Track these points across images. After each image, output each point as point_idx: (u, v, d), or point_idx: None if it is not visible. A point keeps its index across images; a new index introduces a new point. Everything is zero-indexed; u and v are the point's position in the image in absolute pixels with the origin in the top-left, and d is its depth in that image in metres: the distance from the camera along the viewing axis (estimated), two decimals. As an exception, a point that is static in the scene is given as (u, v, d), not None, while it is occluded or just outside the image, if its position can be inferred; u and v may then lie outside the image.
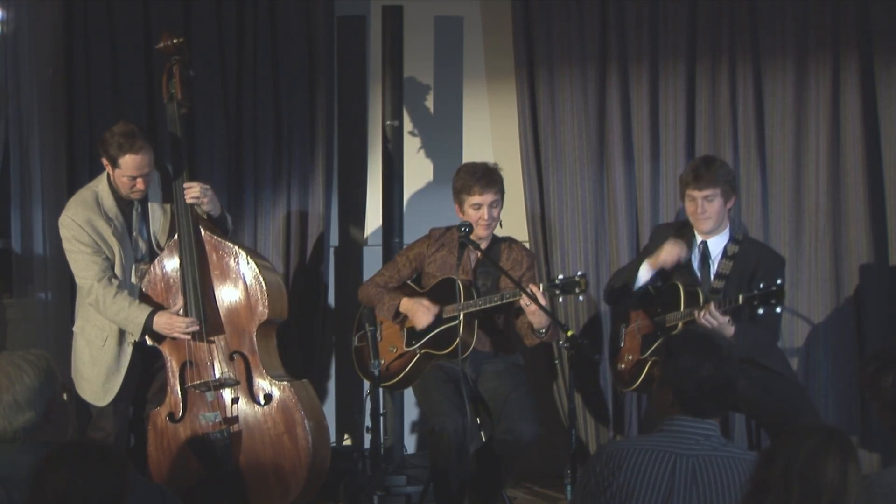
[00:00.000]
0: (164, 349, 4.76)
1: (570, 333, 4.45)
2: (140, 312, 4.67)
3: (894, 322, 5.45)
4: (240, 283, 4.75)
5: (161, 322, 4.67)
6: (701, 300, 4.61)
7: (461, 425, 4.63)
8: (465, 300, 4.79)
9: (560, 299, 5.11)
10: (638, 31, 5.58)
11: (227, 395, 4.73)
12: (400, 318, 4.97)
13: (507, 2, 5.68)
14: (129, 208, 4.77)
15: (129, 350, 4.75)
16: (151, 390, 4.87)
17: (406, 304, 4.93)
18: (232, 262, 4.76)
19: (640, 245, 5.56)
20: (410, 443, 5.87)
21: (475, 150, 5.87)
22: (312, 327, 5.69)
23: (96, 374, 4.74)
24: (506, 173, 5.03)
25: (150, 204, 4.81)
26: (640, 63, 5.58)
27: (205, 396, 4.71)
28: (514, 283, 4.73)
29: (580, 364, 5.31)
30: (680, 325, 4.65)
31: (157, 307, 4.71)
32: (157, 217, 4.82)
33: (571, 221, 5.63)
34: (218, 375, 4.72)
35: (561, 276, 4.72)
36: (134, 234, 4.78)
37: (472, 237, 4.79)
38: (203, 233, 4.77)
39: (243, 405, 4.72)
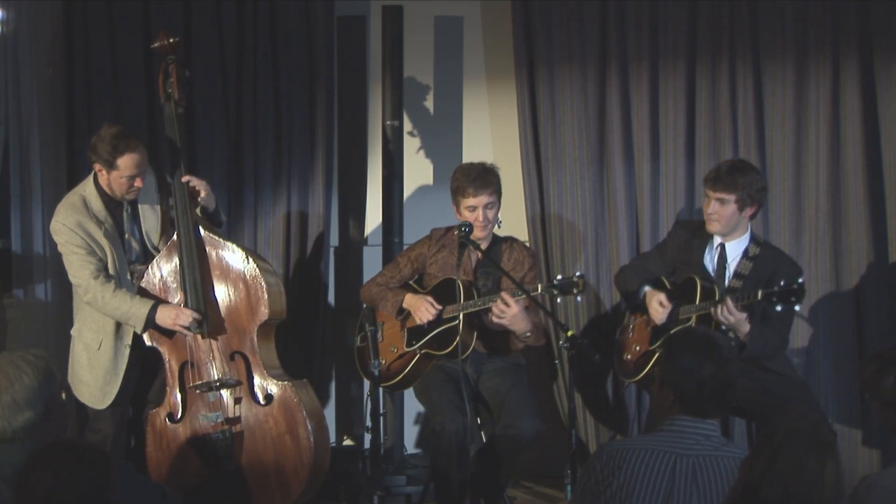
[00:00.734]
0: (164, 350, 4.75)
1: (570, 333, 4.45)
2: (142, 305, 4.65)
3: (894, 322, 5.45)
4: (240, 283, 4.74)
5: (164, 314, 4.64)
6: (717, 296, 4.62)
7: (462, 425, 4.63)
8: (465, 300, 4.79)
9: (559, 300, 5.11)
10: (638, 31, 5.58)
11: (228, 395, 4.73)
12: (403, 314, 4.97)
13: (507, 2, 5.68)
14: (119, 210, 4.75)
15: (125, 352, 4.73)
16: (152, 391, 4.86)
17: (410, 300, 4.94)
18: (232, 262, 4.75)
19: (640, 245, 5.56)
20: (410, 443, 5.86)
21: (475, 150, 5.87)
22: (312, 327, 5.69)
23: (94, 377, 4.71)
24: (506, 173, 5.03)
25: (139, 205, 4.79)
26: (640, 63, 5.58)
27: (206, 397, 4.70)
28: (515, 284, 4.73)
29: (580, 364, 5.30)
30: (693, 318, 4.65)
31: (158, 301, 4.70)
32: (149, 216, 4.80)
33: (571, 221, 5.63)
34: (219, 376, 4.70)
35: (559, 277, 4.72)
36: (126, 235, 4.76)
37: (471, 237, 4.79)
38: (203, 232, 4.76)
39: (245, 405, 4.71)
